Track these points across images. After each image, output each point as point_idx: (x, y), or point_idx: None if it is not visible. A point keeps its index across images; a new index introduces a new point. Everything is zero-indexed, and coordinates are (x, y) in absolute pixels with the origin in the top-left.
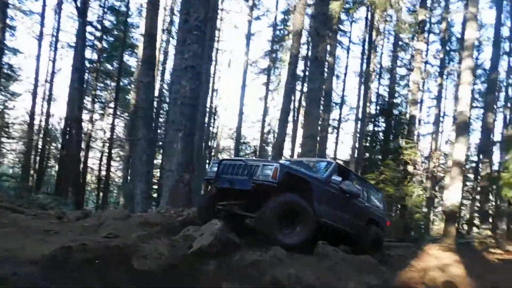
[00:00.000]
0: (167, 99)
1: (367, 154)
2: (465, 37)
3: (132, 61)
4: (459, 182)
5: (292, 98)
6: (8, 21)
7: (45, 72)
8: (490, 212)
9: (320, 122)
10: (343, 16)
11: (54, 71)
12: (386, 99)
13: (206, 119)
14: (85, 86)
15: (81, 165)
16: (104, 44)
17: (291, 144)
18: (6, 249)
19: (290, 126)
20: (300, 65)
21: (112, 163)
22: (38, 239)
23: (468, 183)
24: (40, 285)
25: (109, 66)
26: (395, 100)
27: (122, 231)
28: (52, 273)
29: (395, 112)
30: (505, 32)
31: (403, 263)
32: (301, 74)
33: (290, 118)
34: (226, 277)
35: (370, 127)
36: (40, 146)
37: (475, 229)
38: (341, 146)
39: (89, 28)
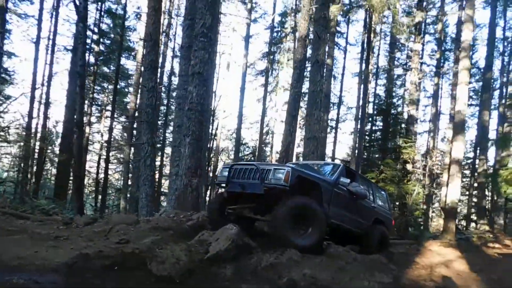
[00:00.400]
0: (164, 102)
1: (366, 154)
2: (462, 38)
3: (129, 64)
4: (458, 179)
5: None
6: None
7: (41, 75)
8: (487, 207)
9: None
10: (339, 18)
11: (51, 74)
12: (384, 99)
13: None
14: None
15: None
16: (101, 47)
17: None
18: (20, 256)
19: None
20: None
21: (110, 165)
22: (50, 246)
23: (464, 179)
24: None
25: (106, 69)
26: (392, 100)
27: (134, 237)
28: (74, 280)
29: (393, 111)
30: (498, 32)
31: (407, 260)
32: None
33: None
34: (244, 281)
35: (368, 126)
36: (37, 150)
37: (472, 225)
38: (339, 145)
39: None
